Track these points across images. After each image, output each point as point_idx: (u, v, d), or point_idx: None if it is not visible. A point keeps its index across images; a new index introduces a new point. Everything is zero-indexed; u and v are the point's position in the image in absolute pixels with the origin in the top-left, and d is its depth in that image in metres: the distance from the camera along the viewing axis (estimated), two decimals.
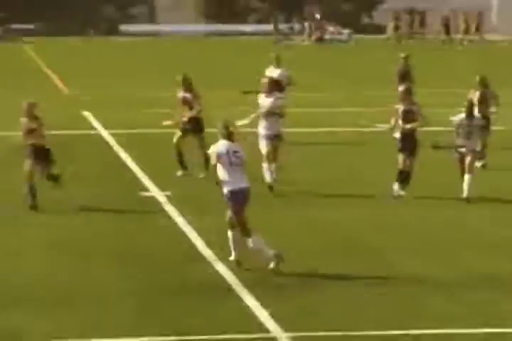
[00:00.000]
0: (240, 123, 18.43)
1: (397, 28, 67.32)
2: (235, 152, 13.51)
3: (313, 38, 67.79)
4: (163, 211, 17.41)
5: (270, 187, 18.59)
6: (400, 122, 18.15)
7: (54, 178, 17.65)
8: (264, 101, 18.73)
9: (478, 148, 18.79)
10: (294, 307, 12.04)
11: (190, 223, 16.16)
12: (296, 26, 70.51)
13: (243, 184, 13.60)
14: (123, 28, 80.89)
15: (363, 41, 68.07)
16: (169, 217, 16.86)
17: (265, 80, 19.30)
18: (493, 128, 22.18)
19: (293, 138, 22.24)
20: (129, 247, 15.02)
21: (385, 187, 18.49)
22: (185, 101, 20.18)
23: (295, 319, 11.55)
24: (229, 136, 13.63)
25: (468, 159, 17.93)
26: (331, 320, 11.34)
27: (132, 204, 17.98)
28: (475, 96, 20.87)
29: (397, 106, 18.38)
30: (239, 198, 13.52)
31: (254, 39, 67.18)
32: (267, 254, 13.55)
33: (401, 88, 19.01)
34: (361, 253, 14.78)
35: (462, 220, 17.04)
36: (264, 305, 11.95)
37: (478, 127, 18.42)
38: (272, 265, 13.49)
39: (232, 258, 13.97)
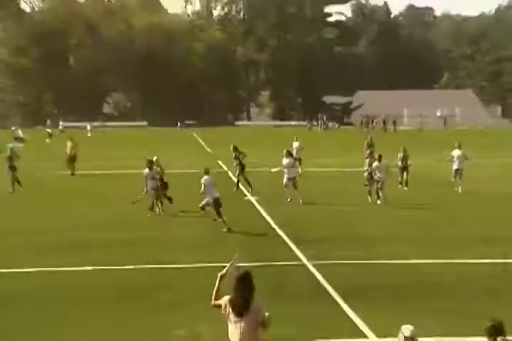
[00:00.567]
0: (273, 170, 32.97)
1: (361, 123, 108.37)
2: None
3: (323, 128, 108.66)
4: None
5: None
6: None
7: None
8: (284, 161, 30.86)
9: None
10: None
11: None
12: (314, 122, 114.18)
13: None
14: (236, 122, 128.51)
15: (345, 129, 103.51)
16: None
17: (285, 151, 31.40)
18: None
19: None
20: None
21: None
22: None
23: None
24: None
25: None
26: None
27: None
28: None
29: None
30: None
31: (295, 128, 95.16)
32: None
33: (368, 151, 32.75)
34: None
35: None
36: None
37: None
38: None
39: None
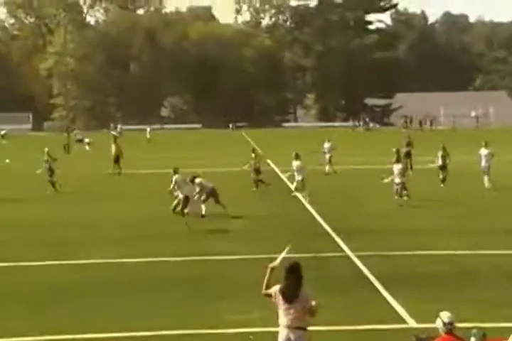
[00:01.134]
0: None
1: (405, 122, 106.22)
2: None
3: (364, 128, 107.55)
4: None
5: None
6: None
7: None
8: (294, 163, 30.02)
9: None
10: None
11: None
12: (356, 123, 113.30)
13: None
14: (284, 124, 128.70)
15: (384, 129, 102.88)
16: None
17: (293, 153, 30.14)
18: None
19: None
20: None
21: None
22: None
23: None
24: None
25: None
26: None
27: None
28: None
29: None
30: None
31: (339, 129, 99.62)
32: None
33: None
34: None
35: None
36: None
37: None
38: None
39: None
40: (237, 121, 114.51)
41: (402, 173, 28.23)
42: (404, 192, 28.21)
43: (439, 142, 37.38)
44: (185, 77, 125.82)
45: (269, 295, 9.90)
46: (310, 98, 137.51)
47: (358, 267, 17.76)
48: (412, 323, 13.33)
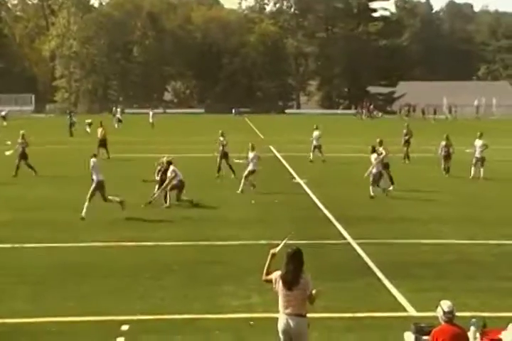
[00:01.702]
0: (236, 161, 30.59)
1: (408, 111, 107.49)
2: None
3: (366, 116, 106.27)
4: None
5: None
6: None
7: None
8: (250, 154, 28.85)
9: None
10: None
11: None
12: (359, 111, 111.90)
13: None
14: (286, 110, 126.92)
15: (387, 117, 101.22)
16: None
17: (250, 145, 29.19)
18: None
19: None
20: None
21: None
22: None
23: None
24: None
25: None
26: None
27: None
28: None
29: None
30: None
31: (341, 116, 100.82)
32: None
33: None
34: None
35: None
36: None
37: None
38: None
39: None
40: (240, 106, 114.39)
41: (380, 163, 27.44)
42: (382, 183, 27.47)
43: (440, 132, 37.32)
44: (188, 61, 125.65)
45: (270, 281, 9.92)
46: (313, 85, 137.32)
47: (359, 254, 17.78)
48: (412, 311, 13.36)
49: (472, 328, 9.90)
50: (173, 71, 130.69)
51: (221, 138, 33.04)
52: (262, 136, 60.60)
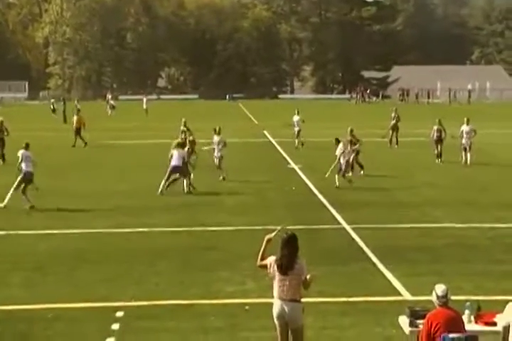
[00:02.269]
0: (204, 148, 28.64)
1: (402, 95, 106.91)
2: None
3: (360, 100, 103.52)
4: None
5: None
6: None
7: None
8: (215, 138, 28.30)
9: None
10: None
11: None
12: (353, 95, 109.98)
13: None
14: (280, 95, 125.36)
15: (381, 102, 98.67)
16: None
17: (215, 128, 28.49)
18: None
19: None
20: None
21: None
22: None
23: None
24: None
25: None
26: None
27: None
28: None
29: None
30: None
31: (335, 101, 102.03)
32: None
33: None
34: None
35: None
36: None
37: None
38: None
39: None
40: (234, 92, 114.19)
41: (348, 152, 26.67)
42: (349, 174, 26.80)
43: (433, 116, 37.30)
44: (182, 47, 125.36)
45: (264, 266, 9.90)
46: (307, 70, 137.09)
47: (353, 239, 17.79)
48: (406, 296, 13.37)
49: (467, 311, 9.90)
50: (166, 57, 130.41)
51: (182, 127, 31.39)
52: (256, 122, 60.59)
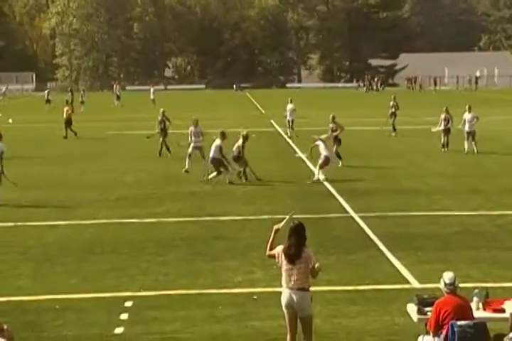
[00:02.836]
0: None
1: (410, 83, 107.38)
2: None
3: (368, 88, 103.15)
4: None
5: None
6: None
7: None
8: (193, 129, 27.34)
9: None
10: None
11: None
12: (360, 84, 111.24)
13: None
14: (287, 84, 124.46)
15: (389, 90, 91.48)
16: None
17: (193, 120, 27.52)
18: None
19: None
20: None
21: None
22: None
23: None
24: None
25: None
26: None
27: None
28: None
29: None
30: None
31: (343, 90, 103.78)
32: None
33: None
34: None
35: None
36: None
37: None
38: None
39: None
40: (241, 81, 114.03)
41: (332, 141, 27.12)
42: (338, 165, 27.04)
43: (440, 103, 37.16)
44: (188, 37, 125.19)
45: (273, 256, 9.90)
46: (314, 59, 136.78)
47: (361, 227, 17.78)
48: (414, 283, 13.36)
49: (475, 299, 9.89)
50: (173, 47, 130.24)
51: (160, 117, 31.75)
52: (263, 111, 60.51)
